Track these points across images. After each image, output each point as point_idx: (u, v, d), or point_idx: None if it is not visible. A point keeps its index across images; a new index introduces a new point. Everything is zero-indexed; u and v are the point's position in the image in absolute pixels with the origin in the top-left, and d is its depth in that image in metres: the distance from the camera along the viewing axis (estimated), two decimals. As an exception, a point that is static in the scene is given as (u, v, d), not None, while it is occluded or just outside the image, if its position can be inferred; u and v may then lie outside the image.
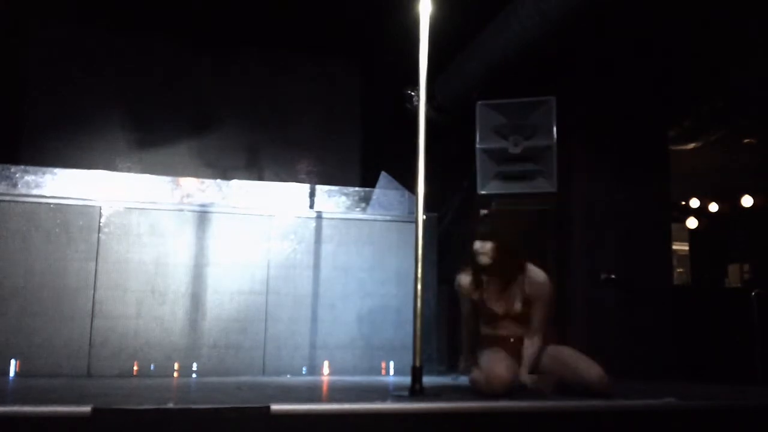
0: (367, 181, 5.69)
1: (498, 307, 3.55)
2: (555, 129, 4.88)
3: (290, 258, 4.84)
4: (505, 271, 3.55)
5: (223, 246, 4.74)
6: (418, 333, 3.23)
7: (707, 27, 5.02)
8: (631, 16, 4.95)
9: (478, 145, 5.06)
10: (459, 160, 5.60)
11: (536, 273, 3.57)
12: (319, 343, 4.77)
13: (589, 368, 3.26)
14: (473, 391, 3.26)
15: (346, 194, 5.28)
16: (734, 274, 8.40)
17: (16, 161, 4.99)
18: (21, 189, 4.70)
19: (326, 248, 4.90)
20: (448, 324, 5.17)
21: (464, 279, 3.65)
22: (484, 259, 3.54)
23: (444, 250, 5.13)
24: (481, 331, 3.63)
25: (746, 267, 8.25)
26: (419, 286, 3.28)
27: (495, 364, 3.28)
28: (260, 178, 5.71)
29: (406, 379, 3.22)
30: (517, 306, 3.52)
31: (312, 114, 6.26)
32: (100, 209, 4.58)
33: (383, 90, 6.05)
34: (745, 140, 7.15)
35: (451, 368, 4.76)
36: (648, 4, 4.82)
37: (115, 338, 4.46)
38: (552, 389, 3.36)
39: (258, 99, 6.17)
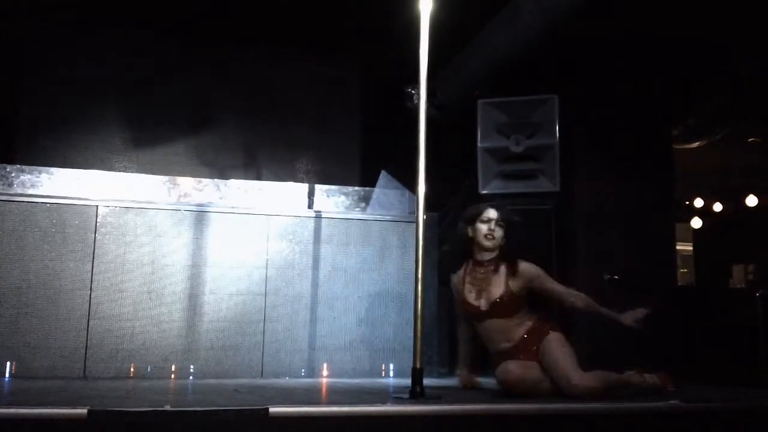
0: (367, 180, 5.65)
1: (480, 303, 3.49)
2: (557, 127, 4.86)
3: (289, 258, 4.79)
4: (497, 262, 3.53)
5: (220, 246, 4.69)
6: (419, 334, 3.20)
7: (711, 22, 4.98)
8: (632, 13, 4.92)
9: (479, 144, 5.05)
10: (460, 159, 5.57)
11: (526, 265, 3.53)
12: (318, 345, 4.73)
13: (574, 378, 3.23)
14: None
15: (345, 194, 5.24)
16: (738, 275, 8.37)
17: (12, 161, 4.94)
18: (17, 188, 4.66)
19: (325, 248, 4.86)
20: (449, 325, 5.13)
21: (457, 276, 3.65)
22: (491, 243, 3.52)
23: (445, 251, 5.09)
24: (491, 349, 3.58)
25: (750, 267, 8.23)
26: (420, 287, 3.24)
27: (509, 366, 3.31)
28: (258, 178, 5.66)
29: (407, 381, 3.19)
30: (497, 293, 3.45)
31: (311, 112, 6.22)
32: (97, 209, 4.53)
33: (383, 88, 6.01)
34: (750, 139, 7.13)
35: (452, 371, 4.72)
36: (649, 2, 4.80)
37: (111, 340, 4.42)
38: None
39: (256, 97, 6.13)
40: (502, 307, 3.45)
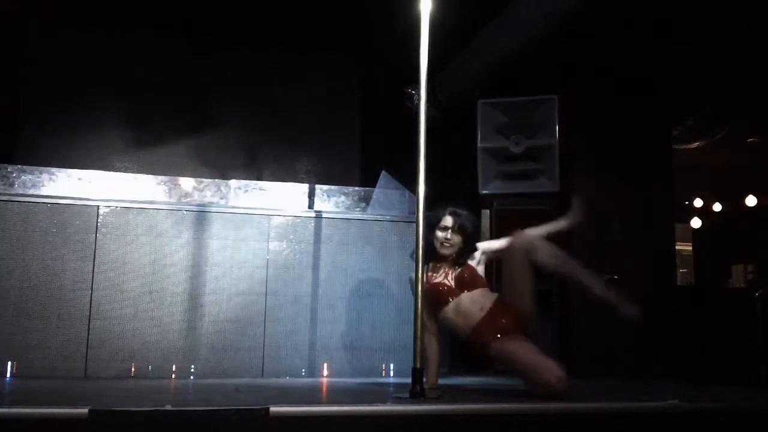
0: (367, 180, 5.65)
1: (447, 281, 3.57)
2: (557, 128, 4.87)
3: (289, 258, 4.80)
4: (457, 261, 3.62)
5: (221, 246, 4.70)
6: (419, 334, 3.20)
7: (712, 23, 4.99)
8: (633, 13, 4.93)
9: (479, 145, 5.05)
10: (460, 159, 5.57)
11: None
12: (318, 345, 4.74)
13: (548, 369, 3.14)
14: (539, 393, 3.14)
15: (345, 194, 5.25)
16: (738, 275, 8.38)
17: (13, 161, 4.95)
18: (18, 189, 4.67)
19: (326, 248, 4.87)
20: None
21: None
22: (448, 251, 3.60)
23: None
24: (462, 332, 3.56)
25: (750, 267, 8.24)
26: (420, 287, 3.24)
27: (546, 363, 3.19)
28: (259, 178, 5.67)
29: (407, 381, 3.19)
30: (458, 270, 3.56)
31: (311, 113, 6.22)
32: (98, 209, 4.54)
33: (383, 89, 6.02)
34: (749, 139, 7.13)
35: (452, 371, 4.72)
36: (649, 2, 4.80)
37: (112, 339, 4.42)
38: None
39: (257, 98, 6.13)
40: (465, 282, 3.55)
